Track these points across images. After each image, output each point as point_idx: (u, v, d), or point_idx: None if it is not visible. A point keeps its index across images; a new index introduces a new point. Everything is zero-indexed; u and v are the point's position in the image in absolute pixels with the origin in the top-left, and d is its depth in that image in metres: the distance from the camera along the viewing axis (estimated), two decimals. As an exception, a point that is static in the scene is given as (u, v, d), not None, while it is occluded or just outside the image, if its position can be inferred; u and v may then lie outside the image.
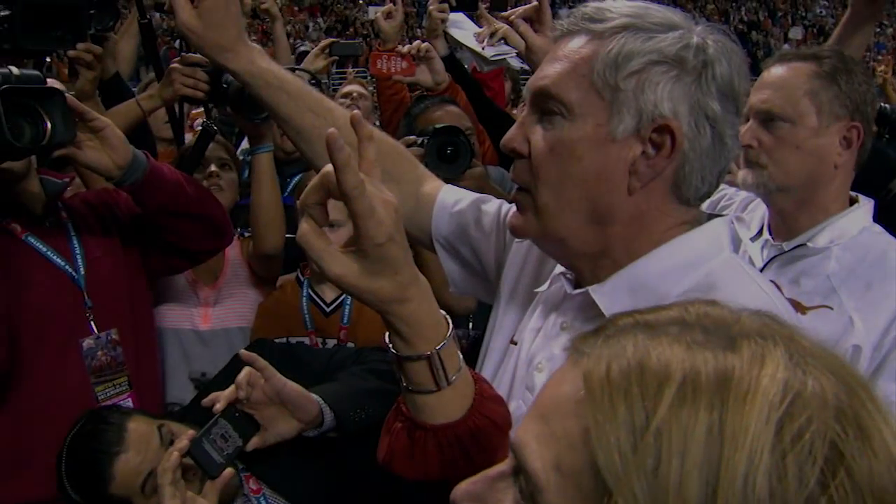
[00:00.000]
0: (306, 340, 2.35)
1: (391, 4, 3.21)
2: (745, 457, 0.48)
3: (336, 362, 1.90)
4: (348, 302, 2.35)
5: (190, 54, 2.36)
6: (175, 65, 2.34)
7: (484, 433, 0.96)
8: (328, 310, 2.36)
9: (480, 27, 3.14)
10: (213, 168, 2.46)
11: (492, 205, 1.38)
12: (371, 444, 1.60)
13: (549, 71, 1.04)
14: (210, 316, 2.40)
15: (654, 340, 0.54)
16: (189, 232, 2.03)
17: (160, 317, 2.37)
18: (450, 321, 0.96)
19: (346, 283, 0.88)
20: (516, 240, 1.30)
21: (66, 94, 1.78)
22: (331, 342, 2.35)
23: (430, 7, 3.02)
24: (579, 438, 0.53)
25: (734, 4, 28.67)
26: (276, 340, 2.36)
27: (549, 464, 0.54)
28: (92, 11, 2.33)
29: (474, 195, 1.41)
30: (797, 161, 1.67)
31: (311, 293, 2.38)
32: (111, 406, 1.71)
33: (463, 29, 3.07)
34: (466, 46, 2.94)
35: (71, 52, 2.39)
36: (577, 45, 1.03)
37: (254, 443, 1.60)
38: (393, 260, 0.87)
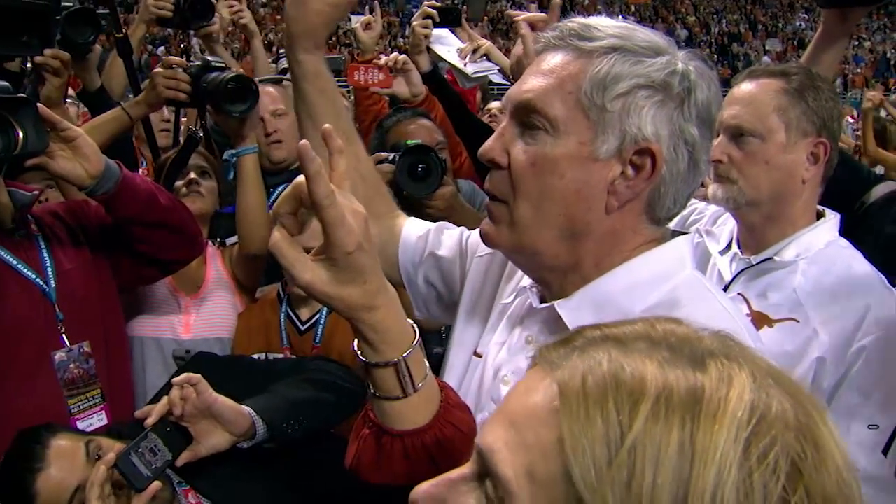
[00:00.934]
0: (282, 357, 2.34)
1: (370, 15, 3.21)
2: (713, 473, 0.50)
3: (276, 373, 1.90)
4: (322, 322, 2.35)
5: (171, 57, 2.34)
6: (156, 70, 2.34)
7: (449, 440, 0.98)
8: (302, 328, 2.37)
9: (464, 43, 3.15)
10: (192, 175, 2.46)
11: (454, 231, 1.41)
12: (313, 455, 1.59)
13: (534, 84, 1.04)
14: (191, 325, 2.40)
15: (627, 356, 0.56)
16: (161, 242, 2.02)
17: (141, 325, 2.36)
18: (416, 329, 0.98)
19: (316, 290, 0.90)
20: (476, 256, 1.32)
21: (38, 104, 1.76)
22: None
23: (414, 23, 3.02)
24: (553, 448, 0.54)
25: (715, 17, 29.01)
26: (254, 356, 2.36)
27: (522, 471, 0.55)
28: (59, 17, 2.30)
29: (435, 224, 1.43)
30: (766, 176, 1.70)
31: (289, 311, 2.38)
32: (45, 424, 1.68)
33: (446, 45, 3.08)
34: (448, 62, 2.96)
35: (38, 59, 2.37)
36: (563, 61, 1.03)
37: (185, 456, 1.60)
38: (362, 268, 0.90)
